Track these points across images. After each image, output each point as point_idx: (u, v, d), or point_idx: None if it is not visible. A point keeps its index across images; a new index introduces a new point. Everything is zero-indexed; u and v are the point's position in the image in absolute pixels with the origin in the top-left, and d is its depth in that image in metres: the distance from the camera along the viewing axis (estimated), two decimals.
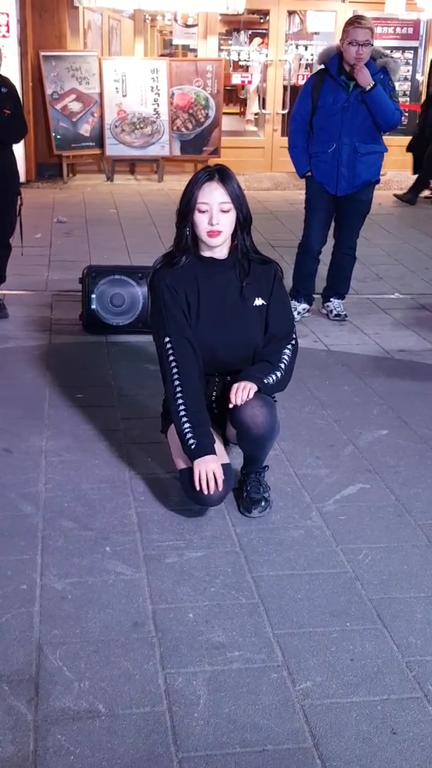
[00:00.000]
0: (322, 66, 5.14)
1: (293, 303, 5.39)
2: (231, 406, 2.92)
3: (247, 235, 3.04)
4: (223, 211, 2.92)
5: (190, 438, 2.89)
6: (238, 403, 2.90)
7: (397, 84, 5.44)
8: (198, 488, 2.87)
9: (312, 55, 12.63)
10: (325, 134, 5.12)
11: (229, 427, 3.16)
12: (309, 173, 5.26)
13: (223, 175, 2.94)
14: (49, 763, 2.00)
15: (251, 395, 2.91)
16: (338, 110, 5.04)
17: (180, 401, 2.93)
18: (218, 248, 3.02)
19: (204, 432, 2.92)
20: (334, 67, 5.04)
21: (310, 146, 5.22)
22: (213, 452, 2.91)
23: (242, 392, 2.90)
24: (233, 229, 2.98)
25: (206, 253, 3.03)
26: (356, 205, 5.29)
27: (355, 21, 4.99)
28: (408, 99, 12.54)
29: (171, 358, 2.96)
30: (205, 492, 2.87)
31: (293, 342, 3.11)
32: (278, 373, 3.02)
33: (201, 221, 2.94)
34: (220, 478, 2.87)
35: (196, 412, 2.93)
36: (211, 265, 3.04)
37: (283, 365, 3.04)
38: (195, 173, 3.01)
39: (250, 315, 3.06)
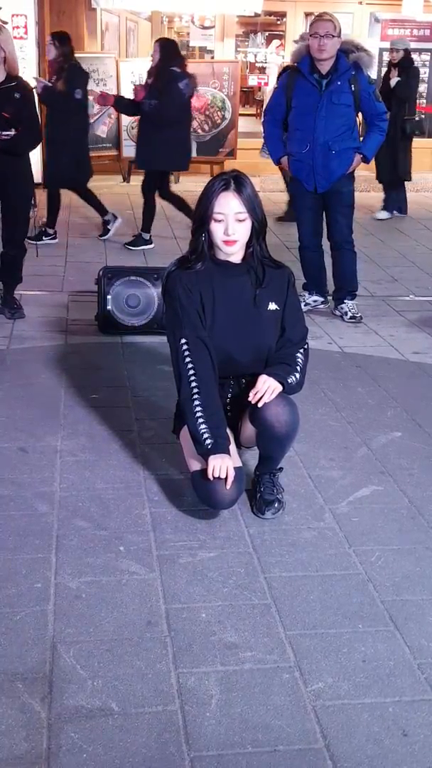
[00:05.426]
0: (294, 64, 5.26)
1: (304, 294, 5.52)
2: (253, 400, 2.90)
3: (262, 241, 3.04)
4: (239, 221, 2.93)
5: (206, 438, 2.88)
6: (266, 400, 2.89)
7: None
8: (211, 478, 2.85)
9: None
10: (300, 134, 5.24)
11: (244, 430, 3.16)
12: (285, 157, 5.37)
13: (239, 183, 2.93)
14: (62, 760, 2.01)
15: (275, 395, 2.91)
16: (310, 111, 5.13)
17: (196, 402, 2.92)
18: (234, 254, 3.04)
19: (221, 433, 2.91)
20: (305, 66, 5.10)
21: (287, 146, 5.35)
22: (228, 453, 2.91)
23: (269, 391, 2.89)
24: (249, 236, 3.00)
25: (222, 257, 3.05)
26: (338, 197, 5.37)
27: (318, 15, 5.22)
28: (425, 101, 12.51)
29: (187, 359, 2.95)
30: (215, 477, 2.85)
31: (305, 347, 3.12)
32: (296, 375, 3.02)
33: (217, 230, 2.95)
34: (232, 476, 2.87)
35: (213, 413, 2.92)
36: (227, 269, 3.05)
37: (298, 368, 3.05)
38: (211, 181, 3.00)
39: (264, 319, 3.06)
